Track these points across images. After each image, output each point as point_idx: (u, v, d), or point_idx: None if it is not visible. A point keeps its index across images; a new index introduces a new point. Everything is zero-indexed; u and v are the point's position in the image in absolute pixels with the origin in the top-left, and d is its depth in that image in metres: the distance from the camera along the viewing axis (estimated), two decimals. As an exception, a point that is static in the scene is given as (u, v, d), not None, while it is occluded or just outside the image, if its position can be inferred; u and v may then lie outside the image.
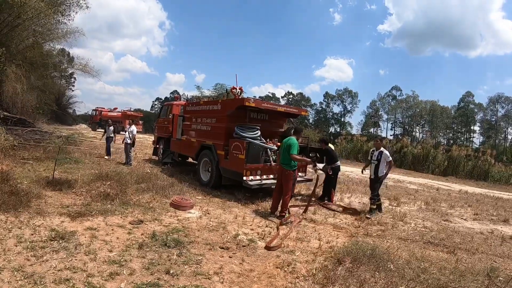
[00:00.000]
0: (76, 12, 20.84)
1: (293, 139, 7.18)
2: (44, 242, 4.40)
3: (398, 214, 8.35)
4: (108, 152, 14.27)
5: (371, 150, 8.55)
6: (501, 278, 4.72)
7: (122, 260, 4.08)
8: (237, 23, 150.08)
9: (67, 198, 6.91)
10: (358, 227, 6.91)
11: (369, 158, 8.52)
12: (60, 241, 4.45)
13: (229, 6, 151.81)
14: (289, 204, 7.44)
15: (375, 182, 8.13)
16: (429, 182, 18.70)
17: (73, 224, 5.27)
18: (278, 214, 7.12)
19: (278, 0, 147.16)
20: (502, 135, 72.62)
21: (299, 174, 9.10)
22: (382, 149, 8.08)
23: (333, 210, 8.20)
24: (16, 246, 4.20)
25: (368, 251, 4.92)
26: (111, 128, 14.59)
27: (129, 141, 12.78)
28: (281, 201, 7.21)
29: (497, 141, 70.99)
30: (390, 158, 8.04)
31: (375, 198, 8.13)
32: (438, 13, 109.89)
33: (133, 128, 13.28)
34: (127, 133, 13.09)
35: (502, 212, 10.57)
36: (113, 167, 10.91)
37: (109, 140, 14.43)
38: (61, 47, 28.12)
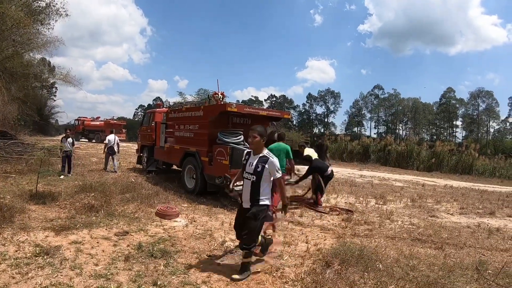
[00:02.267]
0: (55, 21, 20.80)
1: (285, 145, 7.66)
2: (29, 258, 4.30)
3: (385, 212, 8.41)
4: (67, 170, 11.89)
5: (245, 152, 4.71)
6: (490, 271, 4.78)
7: (108, 273, 4.01)
8: (219, 27, 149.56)
9: (51, 211, 6.79)
10: (345, 228, 6.93)
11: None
12: (45, 257, 4.35)
13: (210, 11, 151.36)
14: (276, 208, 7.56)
15: (254, 217, 4.24)
16: (415, 179, 18.94)
17: (57, 238, 5.18)
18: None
19: (258, 3, 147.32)
20: (484, 129, 73.84)
21: (286, 177, 9.14)
22: (265, 152, 4.38)
23: (320, 212, 8.21)
24: (0, 263, 4.10)
25: (356, 252, 4.94)
26: (69, 140, 12.14)
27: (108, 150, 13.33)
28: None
29: (479, 135, 72.13)
30: (280, 173, 4.31)
31: (250, 245, 4.28)
32: (418, 11, 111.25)
33: (108, 137, 13.68)
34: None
35: (488, 205, 10.76)
36: (97, 178, 10.77)
37: (68, 155, 11.88)
38: (42, 56, 27.85)
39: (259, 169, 4.26)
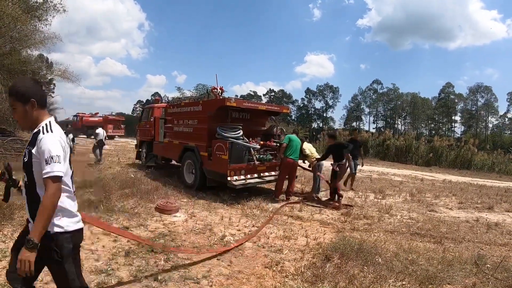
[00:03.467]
0: (53, 16, 20.48)
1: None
2: (28, 254, 4.30)
3: (384, 207, 8.41)
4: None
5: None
6: (488, 265, 4.79)
7: (109, 269, 4.02)
8: (217, 22, 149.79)
9: (50, 207, 6.77)
10: (344, 222, 6.94)
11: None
12: (45, 253, 4.35)
13: (208, 6, 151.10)
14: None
15: (54, 261, 2.18)
16: (413, 173, 18.92)
17: (57, 234, 5.17)
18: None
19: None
20: (483, 124, 73.99)
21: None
22: (42, 124, 2.26)
23: (318, 206, 8.21)
24: (1, 261, 4.09)
25: (356, 246, 4.96)
26: (70, 136, 12.54)
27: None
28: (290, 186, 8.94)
29: (478, 130, 72.24)
30: (54, 170, 2.03)
31: None
32: (417, 6, 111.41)
33: (97, 130, 14.78)
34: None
35: (486, 200, 10.74)
36: (96, 173, 10.75)
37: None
38: (39, 52, 27.67)
39: (26, 159, 2.22)
